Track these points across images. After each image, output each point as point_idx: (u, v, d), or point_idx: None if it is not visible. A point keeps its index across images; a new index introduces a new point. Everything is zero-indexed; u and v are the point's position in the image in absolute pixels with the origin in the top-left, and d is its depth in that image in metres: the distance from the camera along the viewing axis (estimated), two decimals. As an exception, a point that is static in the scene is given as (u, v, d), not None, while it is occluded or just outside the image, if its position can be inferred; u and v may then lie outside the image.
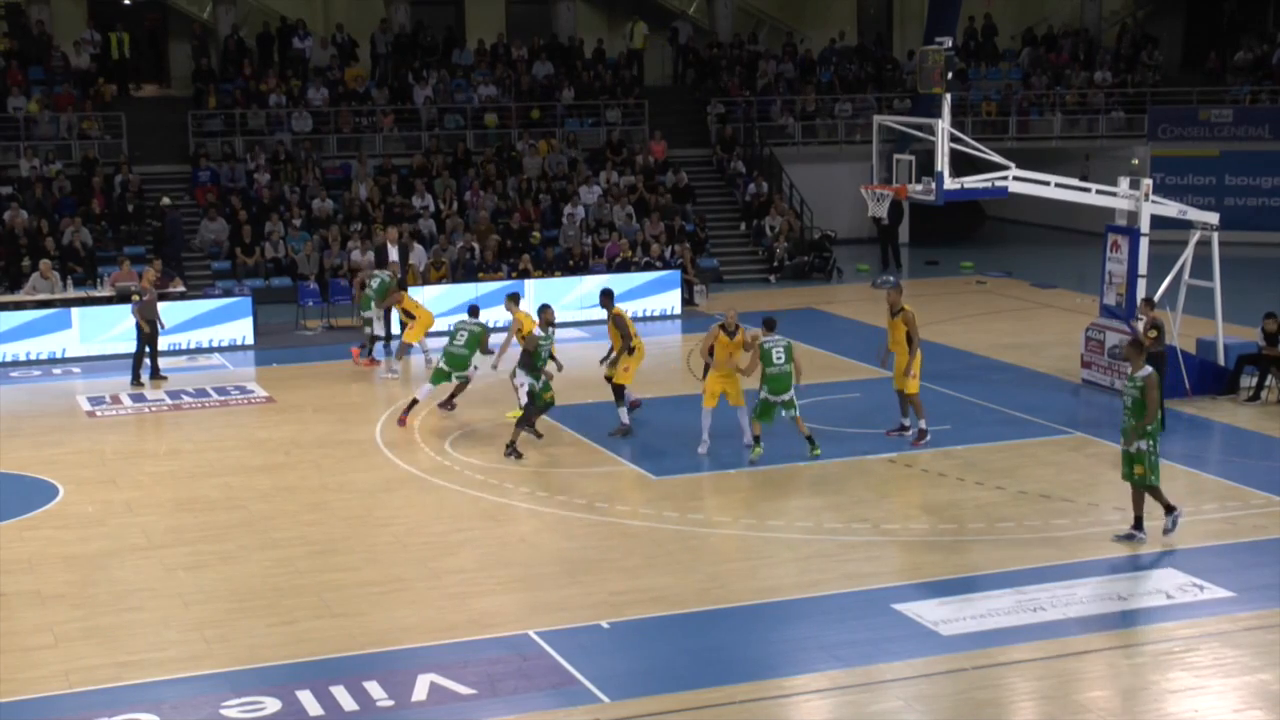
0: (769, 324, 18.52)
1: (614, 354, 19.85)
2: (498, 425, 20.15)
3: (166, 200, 31.38)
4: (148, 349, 23.55)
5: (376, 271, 25.40)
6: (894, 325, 19.04)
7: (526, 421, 18.95)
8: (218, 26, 38.99)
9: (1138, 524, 15.29)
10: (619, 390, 19.90)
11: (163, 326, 24.22)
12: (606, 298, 20.28)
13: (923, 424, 18.99)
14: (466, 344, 20.28)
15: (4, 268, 29.12)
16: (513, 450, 18.65)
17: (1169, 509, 15.30)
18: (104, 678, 12.19)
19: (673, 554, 15.14)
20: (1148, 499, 15.26)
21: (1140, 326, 20.50)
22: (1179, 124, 39.72)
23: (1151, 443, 15.01)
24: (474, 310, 20.92)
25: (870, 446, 18.93)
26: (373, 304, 24.55)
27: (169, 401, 22.35)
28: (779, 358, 18.17)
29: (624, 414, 19.83)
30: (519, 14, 42.71)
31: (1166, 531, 15.26)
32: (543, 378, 18.97)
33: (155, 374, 23.71)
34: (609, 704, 11.59)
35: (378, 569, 14.83)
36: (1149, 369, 15.16)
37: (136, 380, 23.43)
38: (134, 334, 23.66)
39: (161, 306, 24.36)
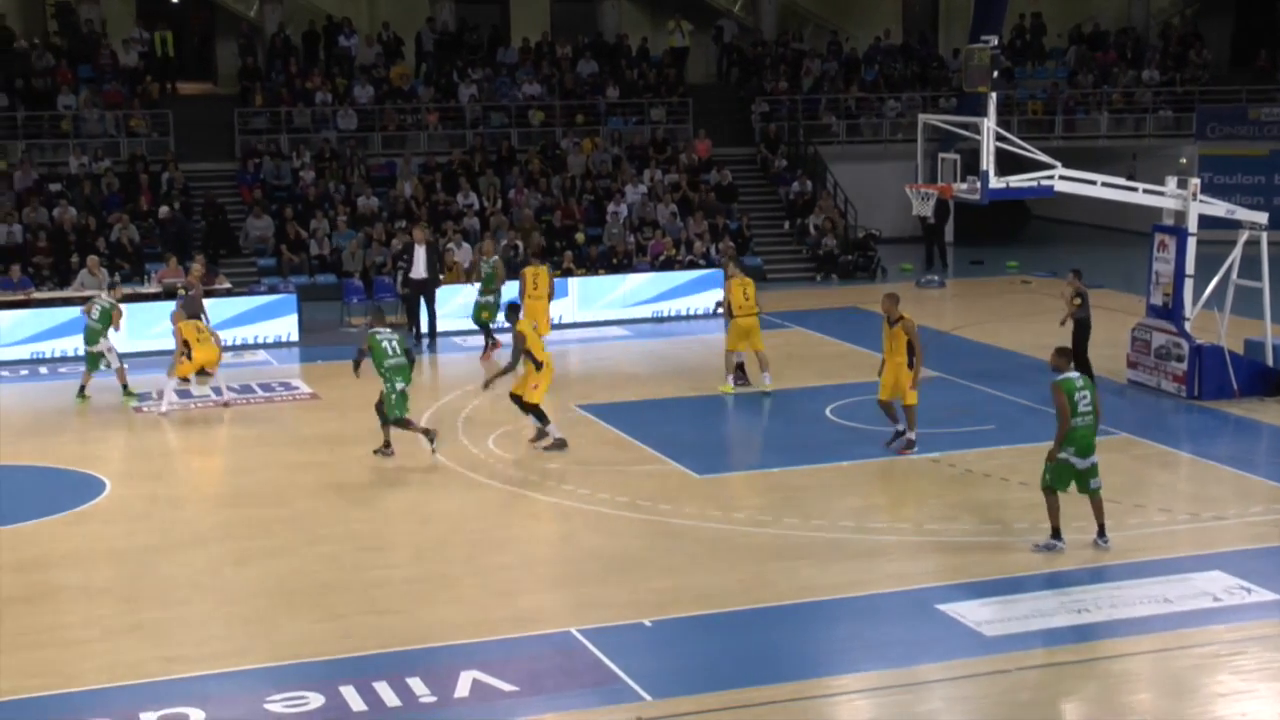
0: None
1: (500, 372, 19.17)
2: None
3: (165, 209, 31.47)
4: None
5: (99, 296, 22.84)
6: (893, 334, 18.23)
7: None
8: (264, 25, 39.24)
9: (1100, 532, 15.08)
10: (526, 406, 18.94)
11: (208, 321, 24.33)
12: (511, 311, 19.32)
13: (911, 435, 18.57)
14: (100, 318, 21.86)
15: (53, 264, 29.40)
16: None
17: (1056, 532, 14.96)
18: (150, 672, 12.26)
19: (716, 553, 15.12)
20: (1052, 506, 15.02)
21: (1066, 295, 21.49)
22: (1227, 123, 39.37)
23: (1061, 450, 14.80)
24: (113, 286, 22.93)
25: (913, 446, 18.85)
26: (100, 337, 22.31)
27: (214, 398, 22.47)
28: (392, 350, 18.27)
29: (552, 428, 19.01)
30: (563, 12, 42.79)
31: (1036, 547, 14.99)
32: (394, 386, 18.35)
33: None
34: (651, 702, 11.56)
35: (422, 565, 14.88)
36: (1059, 375, 14.90)
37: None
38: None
39: (207, 303, 24.50)
